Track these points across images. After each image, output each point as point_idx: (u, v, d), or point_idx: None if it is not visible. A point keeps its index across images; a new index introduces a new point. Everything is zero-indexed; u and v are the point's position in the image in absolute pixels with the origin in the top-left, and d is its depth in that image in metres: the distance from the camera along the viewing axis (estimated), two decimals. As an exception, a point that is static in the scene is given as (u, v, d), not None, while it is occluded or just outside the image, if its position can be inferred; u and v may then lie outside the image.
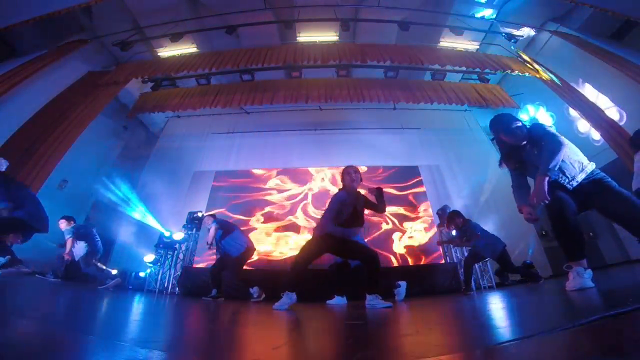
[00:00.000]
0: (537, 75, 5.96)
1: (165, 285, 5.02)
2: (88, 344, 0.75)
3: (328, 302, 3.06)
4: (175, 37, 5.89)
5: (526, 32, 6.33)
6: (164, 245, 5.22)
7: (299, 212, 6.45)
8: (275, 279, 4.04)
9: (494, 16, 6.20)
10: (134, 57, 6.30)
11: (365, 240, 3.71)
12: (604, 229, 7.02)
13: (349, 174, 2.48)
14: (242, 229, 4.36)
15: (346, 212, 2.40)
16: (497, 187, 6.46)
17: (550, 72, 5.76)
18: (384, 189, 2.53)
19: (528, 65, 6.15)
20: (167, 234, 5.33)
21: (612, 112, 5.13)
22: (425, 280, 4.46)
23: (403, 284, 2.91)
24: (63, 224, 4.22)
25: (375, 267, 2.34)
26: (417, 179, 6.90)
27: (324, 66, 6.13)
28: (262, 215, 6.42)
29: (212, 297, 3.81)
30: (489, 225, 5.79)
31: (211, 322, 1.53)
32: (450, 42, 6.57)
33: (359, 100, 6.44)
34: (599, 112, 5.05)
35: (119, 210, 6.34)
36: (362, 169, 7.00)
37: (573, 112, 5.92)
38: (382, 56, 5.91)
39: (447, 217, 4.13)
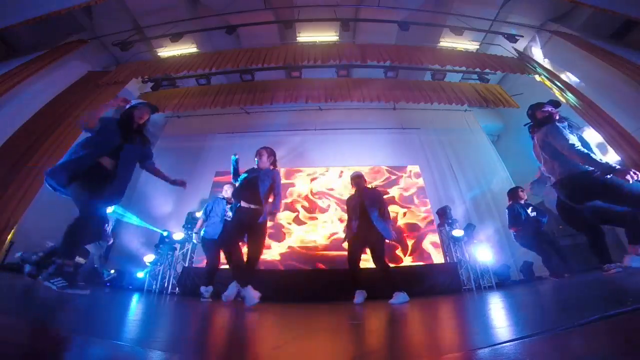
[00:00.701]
0: (538, 78, 5.96)
1: (165, 285, 5.02)
2: (88, 344, 0.75)
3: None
4: (175, 37, 5.89)
5: (526, 32, 6.33)
6: (164, 245, 5.23)
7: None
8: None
9: (494, 16, 6.20)
10: (134, 57, 6.30)
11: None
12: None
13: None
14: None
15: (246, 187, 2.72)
16: (498, 187, 6.46)
17: (564, 84, 5.48)
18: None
19: (528, 65, 6.16)
20: (164, 233, 5.33)
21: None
22: (425, 280, 4.46)
23: (403, 296, 2.79)
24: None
25: (248, 263, 2.50)
26: (417, 179, 6.90)
27: (324, 66, 6.13)
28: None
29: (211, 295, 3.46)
30: (490, 225, 5.80)
31: (211, 322, 1.53)
32: (450, 42, 6.57)
33: (359, 100, 6.44)
34: (622, 133, 4.60)
35: (119, 210, 6.35)
36: (364, 169, 7.01)
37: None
38: (382, 56, 5.91)
39: (510, 193, 4.02)
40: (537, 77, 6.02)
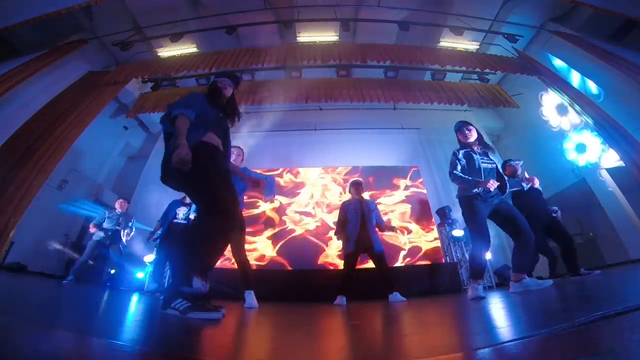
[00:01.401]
0: (538, 77, 5.96)
1: (166, 285, 5.02)
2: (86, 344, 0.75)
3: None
4: (175, 37, 5.89)
5: (526, 32, 6.32)
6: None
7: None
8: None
9: (494, 16, 6.20)
10: (134, 57, 6.30)
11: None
12: (604, 229, 7.01)
13: None
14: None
15: None
16: (497, 187, 6.44)
17: (564, 84, 5.49)
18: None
19: (528, 65, 6.15)
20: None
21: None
22: (425, 280, 4.46)
23: (400, 296, 3.04)
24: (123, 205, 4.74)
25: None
26: (417, 179, 6.90)
27: (324, 66, 6.13)
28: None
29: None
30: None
31: (210, 322, 1.53)
32: (450, 42, 6.57)
33: (359, 100, 6.44)
34: (622, 133, 4.60)
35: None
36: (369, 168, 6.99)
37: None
38: (382, 56, 5.91)
39: None
40: (537, 77, 6.02)
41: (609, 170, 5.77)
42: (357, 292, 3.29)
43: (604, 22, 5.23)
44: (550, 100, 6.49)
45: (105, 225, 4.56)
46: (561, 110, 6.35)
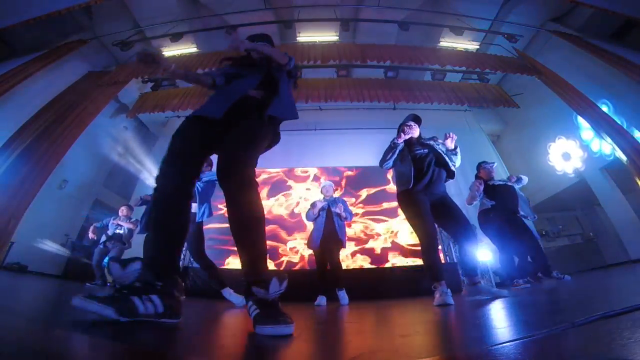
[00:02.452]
0: (537, 77, 5.96)
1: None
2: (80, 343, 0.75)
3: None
4: (175, 37, 5.89)
5: (526, 31, 6.32)
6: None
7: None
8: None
9: (494, 16, 6.20)
10: (134, 57, 6.29)
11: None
12: (604, 229, 7.01)
13: None
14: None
15: None
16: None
17: (564, 84, 5.56)
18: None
19: (528, 65, 6.15)
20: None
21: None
22: (425, 280, 4.45)
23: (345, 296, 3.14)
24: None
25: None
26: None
27: (324, 66, 6.13)
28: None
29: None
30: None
31: (208, 322, 1.53)
32: (450, 42, 6.57)
33: (359, 100, 6.45)
34: (622, 132, 4.69)
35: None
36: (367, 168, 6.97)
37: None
38: (382, 56, 5.92)
39: None
40: (537, 77, 6.02)
41: (609, 170, 5.77)
42: (358, 292, 3.29)
43: (604, 22, 5.23)
44: (557, 148, 6.70)
45: (109, 232, 4.46)
46: (565, 157, 6.56)
